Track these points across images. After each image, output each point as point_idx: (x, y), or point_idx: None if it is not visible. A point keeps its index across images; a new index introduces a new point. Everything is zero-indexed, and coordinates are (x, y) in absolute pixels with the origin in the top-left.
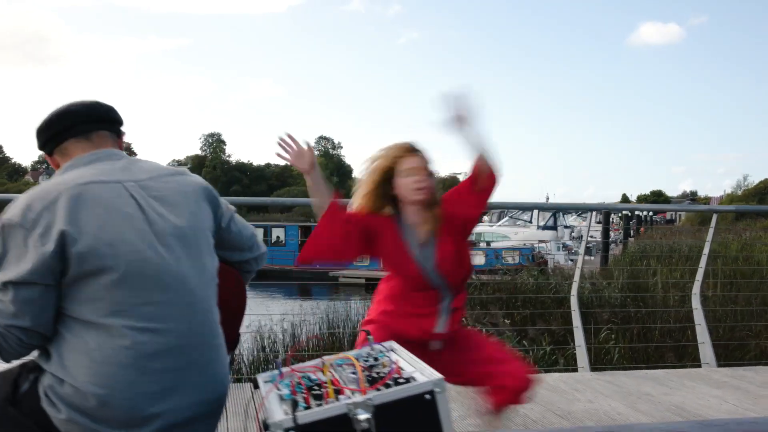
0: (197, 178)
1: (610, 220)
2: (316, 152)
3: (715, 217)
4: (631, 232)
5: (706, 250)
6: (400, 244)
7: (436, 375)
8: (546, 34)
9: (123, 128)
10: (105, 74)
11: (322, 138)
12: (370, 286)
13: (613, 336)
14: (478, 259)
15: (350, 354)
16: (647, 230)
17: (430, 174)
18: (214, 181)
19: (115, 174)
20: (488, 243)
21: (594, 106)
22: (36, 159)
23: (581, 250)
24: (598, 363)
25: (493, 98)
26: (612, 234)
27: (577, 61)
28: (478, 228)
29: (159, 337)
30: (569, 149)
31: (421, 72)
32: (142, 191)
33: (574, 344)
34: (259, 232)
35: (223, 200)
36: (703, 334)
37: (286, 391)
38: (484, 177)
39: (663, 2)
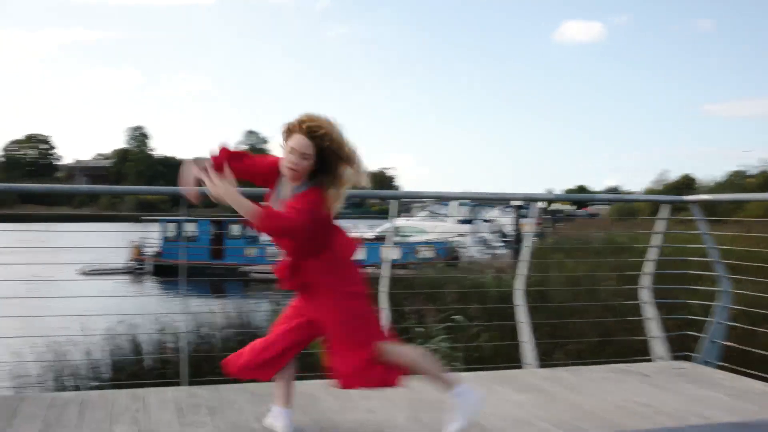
0: None
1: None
2: (245, 146)
3: (665, 208)
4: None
5: (656, 242)
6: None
7: None
8: (472, 28)
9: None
10: (25, 65)
11: (250, 132)
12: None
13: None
14: (394, 253)
15: None
16: (565, 225)
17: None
18: (138, 175)
19: None
20: (404, 237)
21: (518, 103)
22: None
23: (525, 243)
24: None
25: (420, 93)
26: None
27: (502, 55)
28: (396, 222)
29: None
30: (494, 146)
31: (350, 67)
32: None
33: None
34: (171, 227)
35: None
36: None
37: None
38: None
39: (583, 1)
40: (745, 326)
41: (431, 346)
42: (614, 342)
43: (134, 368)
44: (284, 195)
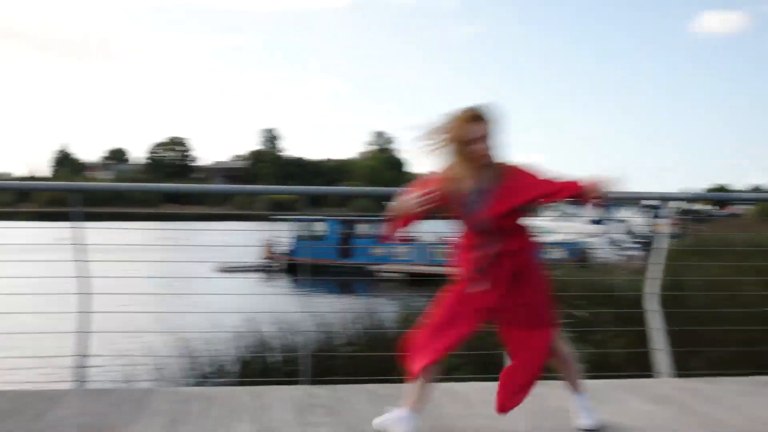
0: None
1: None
2: (373, 146)
3: None
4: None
5: None
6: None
7: None
8: (604, 24)
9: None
10: (167, 71)
11: (377, 134)
12: (409, 281)
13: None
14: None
15: None
16: (706, 224)
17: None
18: (270, 176)
19: None
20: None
21: (655, 98)
22: (101, 155)
23: (656, 245)
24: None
25: (548, 91)
26: (671, 229)
27: (636, 50)
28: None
29: None
30: (630, 143)
31: (477, 66)
32: None
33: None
34: (302, 226)
35: None
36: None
37: None
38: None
39: None
40: None
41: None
42: (759, 352)
43: (258, 366)
44: (487, 184)
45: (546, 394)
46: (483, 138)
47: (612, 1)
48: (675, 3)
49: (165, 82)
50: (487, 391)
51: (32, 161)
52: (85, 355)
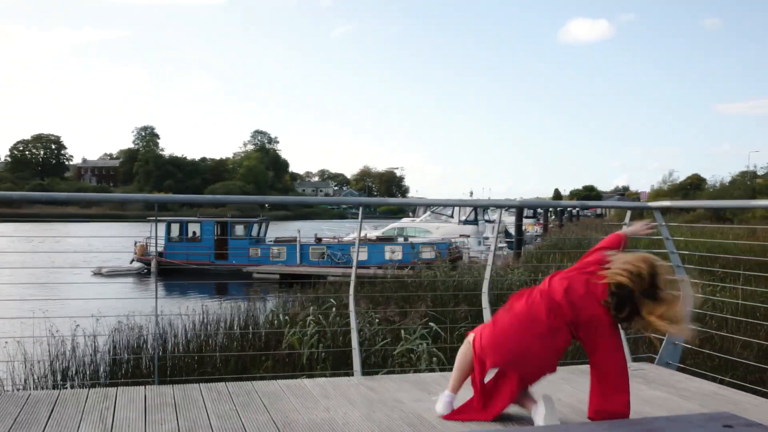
0: None
1: (538, 215)
2: (252, 147)
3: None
4: (549, 226)
5: None
6: None
7: None
8: (476, 29)
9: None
10: (35, 65)
11: (257, 132)
12: (283, 282)
13: None
14: (396, 254)
15: None
16: (572, 224)
17: None
18: (147, 175)
19: None
20: (406, 238)
21: (527, 103)
22: None
23: (492, 247)
24: None
25: (426, 93)
26: (537, 228)
27: (509, 54)
28: (399, 223)
29: None
30: (504, 145)
31: (355, 65)
32: None
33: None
34: (175, 228)
35: None
36: None
37: None
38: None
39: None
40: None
41: (410, 346)
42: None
43: (109, 368)
44: None
45: (384, 388)
46: None
47: (489, 7)
48: (546, 10)
49: (28, 76)
50: (331, 385)
51: None
52: None
